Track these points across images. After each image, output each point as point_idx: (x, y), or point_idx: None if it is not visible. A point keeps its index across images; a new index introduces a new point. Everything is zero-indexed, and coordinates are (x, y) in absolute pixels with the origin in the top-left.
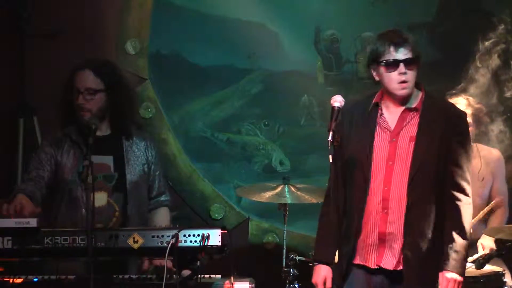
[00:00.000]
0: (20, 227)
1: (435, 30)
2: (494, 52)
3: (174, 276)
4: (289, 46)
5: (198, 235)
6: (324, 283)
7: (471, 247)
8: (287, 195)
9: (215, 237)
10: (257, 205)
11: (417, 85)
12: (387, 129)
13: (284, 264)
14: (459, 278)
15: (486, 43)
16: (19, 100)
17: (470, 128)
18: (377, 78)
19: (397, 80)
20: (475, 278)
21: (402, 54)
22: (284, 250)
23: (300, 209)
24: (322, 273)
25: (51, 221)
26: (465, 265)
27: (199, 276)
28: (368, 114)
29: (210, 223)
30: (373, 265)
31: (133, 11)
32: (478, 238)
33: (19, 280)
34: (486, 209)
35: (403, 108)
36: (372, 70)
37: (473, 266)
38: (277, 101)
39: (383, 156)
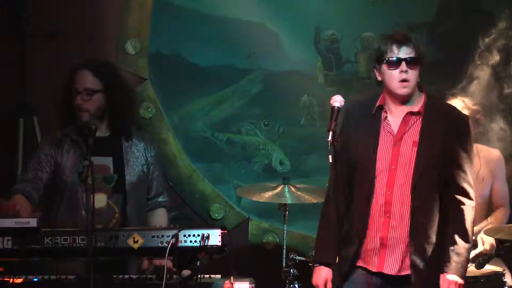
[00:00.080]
0: (20, 227)
1: (435, 30)
2: (494, 48)
3: (174, 276)
4: (289, 46)
5: (198, 235)
6: (325, 285)
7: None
8: (287, 195)
9: (215, 237)
10: (257, 205)
11: (420, 88)
12: (391, 133)
13: (284, 264)
14: (460, 281)
15: (487, 39)
16: (19, 100)
17: None
18: (379, 78)
19: (398, 78)
20: (475, 278)
21: (404, 52)
22: (284, 250)
23: (300, 209)
24: (323, 274)
25: (51, 222)
26: (467, 268)
27: (199, 276)
28: (372, 117)
29: (210, 223)
30: (374, 269)
31: (133, 11)
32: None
33: (19, 280)
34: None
35: (405, 111)
36: (375, 70)
37: (473, 266)
38: (277, 101)
39: (386, 160)
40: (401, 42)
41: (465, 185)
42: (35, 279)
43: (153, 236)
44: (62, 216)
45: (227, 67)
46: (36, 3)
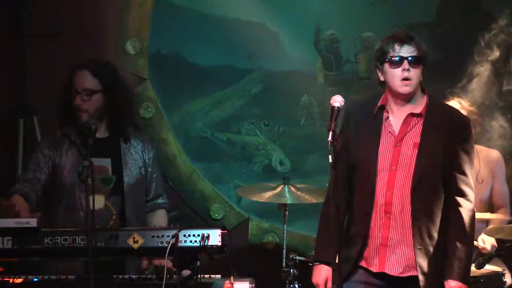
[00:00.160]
0: (20, 227)
1: (435, 30)
2: (494, 44)
3: (174, 276)
4: (289, 46)
5: (198, 235)
6: (325, 284)
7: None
8: (287, 195)
9: (215, 237)
10: (257, 205)
11: (422, 90)
12: (392, 134)
13: (284, 264)
14: (464, 286)
15: (487, 36)
16: (19, 100)
17: None
18: (382, 79)
19: (400, 76)
20: (475, 278)
21: (406, 51)
22: (284, 250)
23: (300, 209)
24: (323, 273)
25: (51, 222)
26: (469, 272)
27: (199, 276)
28: (374, 116)
29: (210, 223)
30: (375, 269)
31: (133, 11)
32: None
33: (19, 280)
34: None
35: (407, 112)
36: (377, 71)
37: (473, 266)
38: (277, 101)
39: (387, 160)
40: (403, 41)
41: (465, 188)
42: (35, 279)
43: (153, 236)
44: (61, 218)
45: (227, 67)
46: (36, 3)
